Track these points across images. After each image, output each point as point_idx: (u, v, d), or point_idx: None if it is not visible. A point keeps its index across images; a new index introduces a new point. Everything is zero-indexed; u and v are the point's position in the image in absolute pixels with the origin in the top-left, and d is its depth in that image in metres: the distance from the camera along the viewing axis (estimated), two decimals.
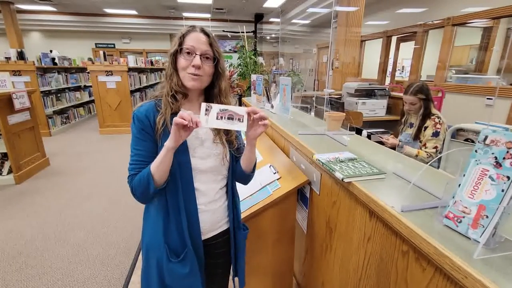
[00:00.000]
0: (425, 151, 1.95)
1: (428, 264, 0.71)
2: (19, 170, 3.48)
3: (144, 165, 0.90)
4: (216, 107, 0.81)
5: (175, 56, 0.91)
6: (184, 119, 0.77)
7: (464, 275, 0.57)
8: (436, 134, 1.97)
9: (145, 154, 0.91)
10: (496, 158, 0.62)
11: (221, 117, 0.81)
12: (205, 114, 0.80)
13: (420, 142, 2.05)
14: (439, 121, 1.99)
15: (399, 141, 2.16)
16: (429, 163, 0.91)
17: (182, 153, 0.91)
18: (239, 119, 0.82)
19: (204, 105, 0.81)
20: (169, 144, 0.82)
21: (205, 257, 1.02)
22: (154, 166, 0.86)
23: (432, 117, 2.02)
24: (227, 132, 1.00)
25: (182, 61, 0.90)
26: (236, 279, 1.18)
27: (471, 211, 0.65)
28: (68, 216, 2.72)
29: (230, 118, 0.81)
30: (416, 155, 1.94)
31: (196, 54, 0.89)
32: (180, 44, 0.90)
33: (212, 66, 0.93)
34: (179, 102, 0.93)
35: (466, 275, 0.56)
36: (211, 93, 0.99)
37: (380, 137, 2.13)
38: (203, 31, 0.92)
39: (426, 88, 2.06)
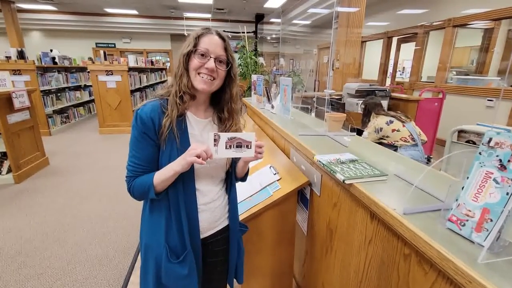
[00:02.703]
0: None
1: (431, 268, 0.70)
2: (19, 170, 3.47)
3: (142, 169, 0.90)
4: (224, 136, 0.83)
5: (188, 56, 0.89)
6: (201, 158, 0.80)
7: (468, 279, 0.56)
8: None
9: (144, 158, 0.90)
10: (500, 160, 0.61)
11: (230, 146, 0.84)
12: (214, 145, 0.82)
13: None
14: (370, 123, 2.65)
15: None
16: (431, 166, 0.90)
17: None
18: (247, 146, 0.85)
19: (212, 135, 0.83)
20: (177, 169, 0.84)
21: (204, 255, 1.01)
22: (157, 180, 0.87)
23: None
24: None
25: (195, 61, 0.88)
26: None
27: (475, 214, 0.64)
28: (67, 216, 2.71)
29: (239, 146, 0.84)
30: None
31: (210, 57, 0.88)
32: (195, 45, 0.88)
33: (225, 70, 0.92)
34: (186, 103, 0.92)
35: (470, 280, 0.55)
36: (221, 98, 0.98)
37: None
38: (219, 34, 0.91)
39: (367, 102, 2.80)
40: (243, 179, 1.14)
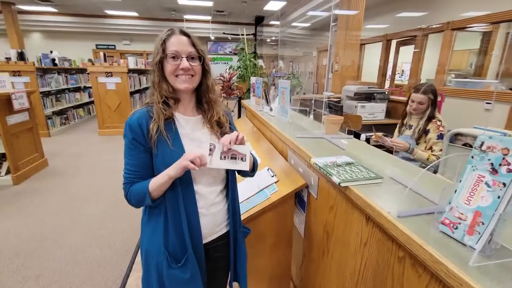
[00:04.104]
0: (433, 155, 1.94)
1: (424, 271, 0.70)
2: (17, 171, 3.47)
3: (137, 175, 0.91)
4: (219, 147, 0.83)
5: (161, 63, 0.91)
6: (195, 164, 0.82)
7: (459, 282, 0.56)
8: (441, 137, 1.95)
9: (137, 164, 0.91)
10: (492, 164, 0.62)
11: (225, 157, 0.83)
12: (209, 154, 0.83)
13: (418, 144, 2.04)
14: (441, 124, 1.99)
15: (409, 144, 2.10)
16: (426, 169, 0.90)
17: (178, 155, 0.90)
18: (241, 158, 0.84)
19: (208, 144, 0.84)
20: (171, 174, 0.85)
21: (206, 261, 1.01)
22: (152, 186, 0.88)
23: (434, 120, 2.01)
24: (220, 125, 1.02)
25: (168, 66, 0.90)
26: (235, 282, 1.17)
27: (467, 217, 0.65)
28: (66, 217, 2.71)
29: (233, 157, 0.84)
30: (427, 159, 1.91)
31: (182, 57, 0.90)
32: (163, 50, 0.90)
33: (200, 65, 0.94)
34: (172, 108, 0.93)
35: (461, 283, 0.56)
36: (199, 91, 1.00)
37: (388, 140, 2.00)
38: (182, 32, 0.92)
39: (436, 90, 2.06)
40: (253, 171, 1.09)
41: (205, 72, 0.97)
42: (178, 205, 0.91)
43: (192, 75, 0.92)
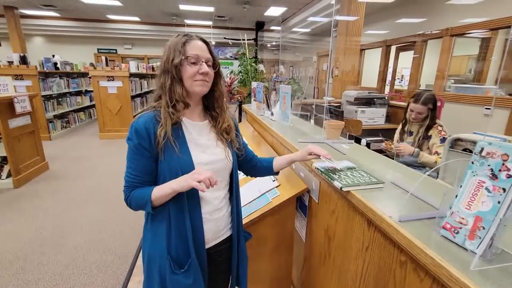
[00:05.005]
0: (441, 158, 1.92)
1: (426, 275, 0.71)
2: (18, 174, 3.48)
3: (139, 180, 0.91)
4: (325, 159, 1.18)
5: (180, 65, 0.91)
6: (204, 184, 0.83)
7: (460, 286, 0.57)
8: (444, 141, 1.94)
9: (140, 169, 0.90)
10: (492, 170, 0.63)
11: (325, 160, 1.16)
12: (325, 161, 1.17)
13: (420, 148, 2.04)
14: (442, 128, 2.01)
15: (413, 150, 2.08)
16: (427, 173, 0.91)
17: (185, 161, 0.91)
18: (331, 159, 1.15)
19: (324, 159, 1.16)
20: (176, 188, 0.85)
21: (207, 265, 1.01)
22: (155, 195, 0.88)
23: (435, 125, 2.03)
24: (228, 131, 1.04)
25: (189, 69, 0.90)
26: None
27: (468, 222, 0.66)
28: (66, 221, 2.71)
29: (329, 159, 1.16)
30: (435, 162, 1.91)
31: (202, 62, 0.91)
32: (184, 53, 0.90)
33: (213, 71, 0.96)
34: (180, 112, 0.93)
35: (463, 287, 0.57)
36: (210, 97, 1.01)
37: (392, 146, 2.01)
38: (201, 39, 0.94)
39: (435, 99, 2.07)
40: (277, 173, 1.26)
41: (218, 78, 0.99)
42: (183, 210, 0.91)
43: (207, 81, 0.94)
